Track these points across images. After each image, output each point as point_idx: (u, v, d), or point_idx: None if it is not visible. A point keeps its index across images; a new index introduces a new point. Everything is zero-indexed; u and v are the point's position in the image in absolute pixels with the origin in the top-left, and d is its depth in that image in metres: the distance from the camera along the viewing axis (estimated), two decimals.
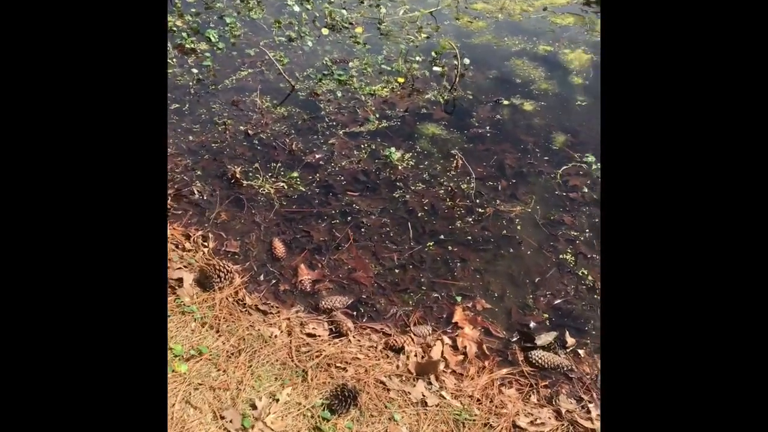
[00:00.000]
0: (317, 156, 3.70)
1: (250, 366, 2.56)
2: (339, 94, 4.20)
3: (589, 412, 2.52)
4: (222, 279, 2.90)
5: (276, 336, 2.72)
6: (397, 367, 2.63)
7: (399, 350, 2.71)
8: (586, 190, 3.52)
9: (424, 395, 2.51)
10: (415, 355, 2.68)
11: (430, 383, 2.58)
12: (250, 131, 3.87)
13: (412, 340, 2.74)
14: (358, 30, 4.91)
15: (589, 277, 3.05)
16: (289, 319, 2.82)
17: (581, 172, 3.64)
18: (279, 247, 3.14)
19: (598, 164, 3.67)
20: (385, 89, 4.27)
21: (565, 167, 3.66)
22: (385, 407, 2.45)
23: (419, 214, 3.36)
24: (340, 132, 3.89)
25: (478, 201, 3.44)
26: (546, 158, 3.74)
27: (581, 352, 2.75)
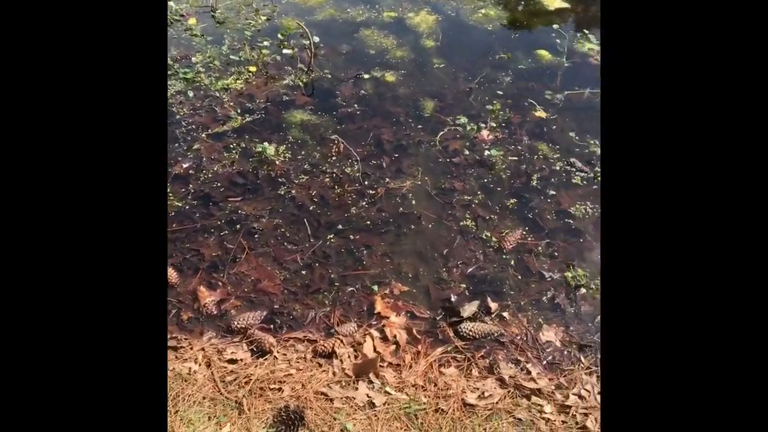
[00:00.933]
0: (185, 165, 3.39)
1: (177, 411, 2.31)
2: (190, 94, 3.88)
3: (529, 372, 2.55)
4: None
5: (195, 371, 2.48)
6: (334, 373, 2.50)
7: (330, 355, 2.57)
8: (467, 152, 3.53)
9: (369, 396, 2.41)
10: (349, 357, 2.56)
11: (371, 382, 2.48)
12: None
13: (341, 341, 2.62)
14: (192, 21, 4.56)
15: (493, 239, 3.07)
16: (203, 349, 2.58)
17: (458, 136, 3.65)
18: (169, 273, 2.85)
19: (472, 125, 3.70)
20: (238, 81, 4.01)
21: (441, 133, 3.65)
22: (334, 419, 2.32)
23: (311, 208, 3.20)
24: (203, 135, 3.59)
25: (366, 183, 3.34)
26: (420, 127, 3.70)
27: (506, 314, 2.77)
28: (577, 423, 2.36)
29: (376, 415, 2.34)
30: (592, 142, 3.63)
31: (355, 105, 3.84)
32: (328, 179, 3.35)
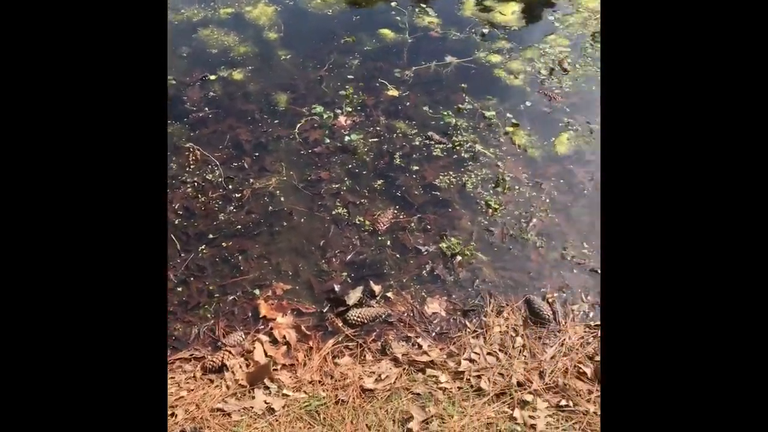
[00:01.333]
0: None
1: None
2: None
3: (420, 347, 2.62)
4: None
5: None
6: (227, 387, 2.44)
7: (220, 369, 2.51)
8: (327, 141, 3.53)
9: (267, 402, 2.38)
10: (240, 367, 2.51)
11: (267, 388, 2.44)
12: None
13: (230, 352, 2.55)
14: None
15: (366, 223, 3.10)
16: None
17: (316, 125, 3.63)
18: None
19: (328, 113, 3.69)
20: None
21: (299, 124, 3.62)
22: None
23: (176, 221, 3.07)
24: None
25: (230, 187, 3.25)
26: (277, 121, 3.65)
27: (390, 294, 2.81)
28: (472, 386, 2.45)
29: (277, 420, 2.31)
30: (445, 113, 3.74)
31: (206, 108, 3.72)
32: (189, 189, 3.23)
